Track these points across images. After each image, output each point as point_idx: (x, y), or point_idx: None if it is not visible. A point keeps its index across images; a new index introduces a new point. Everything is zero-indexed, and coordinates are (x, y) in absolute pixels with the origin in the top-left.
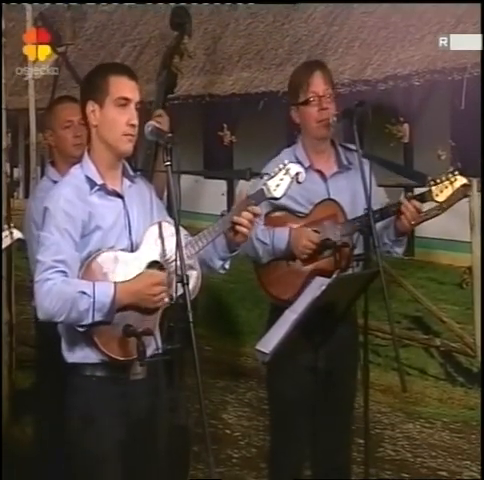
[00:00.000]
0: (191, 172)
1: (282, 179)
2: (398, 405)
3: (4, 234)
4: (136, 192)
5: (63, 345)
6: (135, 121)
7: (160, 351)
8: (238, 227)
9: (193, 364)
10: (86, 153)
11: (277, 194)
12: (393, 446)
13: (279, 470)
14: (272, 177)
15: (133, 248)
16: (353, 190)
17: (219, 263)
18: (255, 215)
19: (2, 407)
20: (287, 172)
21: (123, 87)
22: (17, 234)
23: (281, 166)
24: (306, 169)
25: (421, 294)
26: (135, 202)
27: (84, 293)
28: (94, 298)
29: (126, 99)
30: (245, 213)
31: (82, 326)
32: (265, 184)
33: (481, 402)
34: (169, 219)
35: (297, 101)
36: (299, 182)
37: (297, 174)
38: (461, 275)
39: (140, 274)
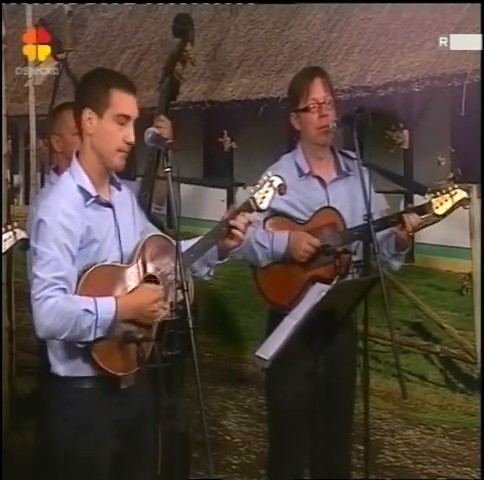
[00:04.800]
0: (189, 181)
1: (267, 191)
2: (398, 411)
3: (7, 235)
4: (123, 200)
5: (53, 359)
6: (131, 139)
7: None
8: (234, 231)
9: (193, 370)
10: (75, 159)
11: (263, 206)
12: (393, 452)
13: (279, 476)
14: (258, 189)
15: (123, 259)
16: (352, 196)
17: (205, 269)
18: (250, 222)
19: (2, 413)
20: (271, 184)
21: (125, 104)
22: (21, 234)
23: (265, 178)
24: (306, 175)
25: (421, 300)
26: (123, 211)
27: (88, 311)
28: (97, 315)
29: (127, 117)
30: (241, 216)
31: (82, 342)
32: (252, 197)
33: (481, 408)
34: (147, 225)
35: (297, 107)
36: (281, 194)
37: (279, 186)
38: (461, 281)
39: (140, 289)
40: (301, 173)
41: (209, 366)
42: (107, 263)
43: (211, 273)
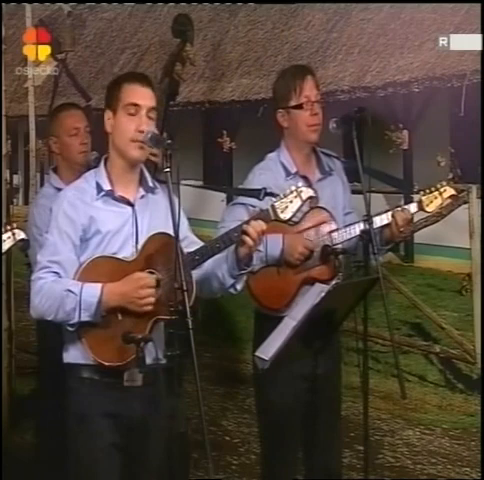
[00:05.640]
0: (205, 187)
1: (292, 201)
2: (398, 412)
3: (6, 235)
4: (152, 203)
5: (64, 346)
6: (144, 127)
7: (159, 359)
8: (244, 237)
9: (193, 371)
10: (103, 161)
11: (284, 216)
12: (393, 453)
13: (273, 477)
14: (281, 199)
15: None
16: (334, 196)
17: (230, 281)
18: (263, 231)
19: (2, 413)
20: (298, 195)
21: (133, 94)
22: (20, 234)
23: (293, 188)
24: (293, 175)
25: (421, 300)
26: (148, 212)
27: (71, 292)
28: (80, 297)
29: (136, 105)
30: (255, 223)
31: (71, 325)
32: (272, 205)
33: (481, 409)
34: (187, 235)
35: (287, 105)
36: (312, 207)
37: (310, 198)
38: (460, 282)
39: (128, 277)
40: (288, 173)
41: (209, 366)
42: (109, 255)
43: (237, 287)
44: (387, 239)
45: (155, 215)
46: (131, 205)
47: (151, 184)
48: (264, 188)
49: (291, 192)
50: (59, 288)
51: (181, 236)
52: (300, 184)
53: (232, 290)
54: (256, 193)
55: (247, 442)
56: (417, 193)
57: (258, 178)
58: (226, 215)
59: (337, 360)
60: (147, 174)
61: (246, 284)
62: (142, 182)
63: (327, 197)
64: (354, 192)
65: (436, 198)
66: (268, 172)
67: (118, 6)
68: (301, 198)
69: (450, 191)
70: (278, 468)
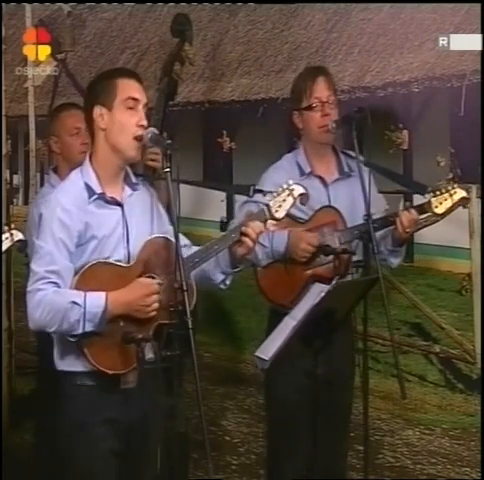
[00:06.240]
0: (192, 182)
1: (285, 200)
2: (397, 412)
3: (4, 236)
4: (137, 200)
5: (55, 352)
6: (144, 122)
7: (159, 359)
8: (244, 238)
9: (192, 371)
10: (88, 159)
11: (279, 215)
12: (392, 453)
13: (277, 476)
14: (274, 197)
15: (129, 258)
16: (353, 197)
17: (220, 277)
18: (261, 231)
19: (2, 413)
20: (291, 193)
21: (131, 88)
22: (17, 235)
23: (285, 186)
24: (307, 175)
25: (420, 300)
26: (135, 211)
27: (75, 303)
28: (85, 308)
29: (135, 99)
30: (253, 224)
31: (73, 336)
32: (267, 205)
33: (481, 409)
34: (168, 228)
35: (300, 106)
36: (303, 204)
37: (300, 195)
38: (460, 282)
39: (132, 284)
40: (302, 172)
41: (208, 366)
42: (106, 261)
43: (227, 282)
44: (397, 240)
45: (141, 213)
46: (120, 205)
47: (134, 180)
48: (253, 185)
49: (283, 190)
50: (61, 300)
51: (163, 231)
52: (291, 182)
53: (222, 286)
54: (246, 190)
55: (247, 442)
56: (422, 194)
57: (271, 177)
58: (238, 213)
59: (347, 364)
60: (129, 170)
61: (255, 278)
62: (127, 180)
63: (343, 197)
64: None
65: (446, 200)
66: (282, 171)
67: (118, 6)
68: (293, 196)
69: (461, 193)
70: (282, 467)
